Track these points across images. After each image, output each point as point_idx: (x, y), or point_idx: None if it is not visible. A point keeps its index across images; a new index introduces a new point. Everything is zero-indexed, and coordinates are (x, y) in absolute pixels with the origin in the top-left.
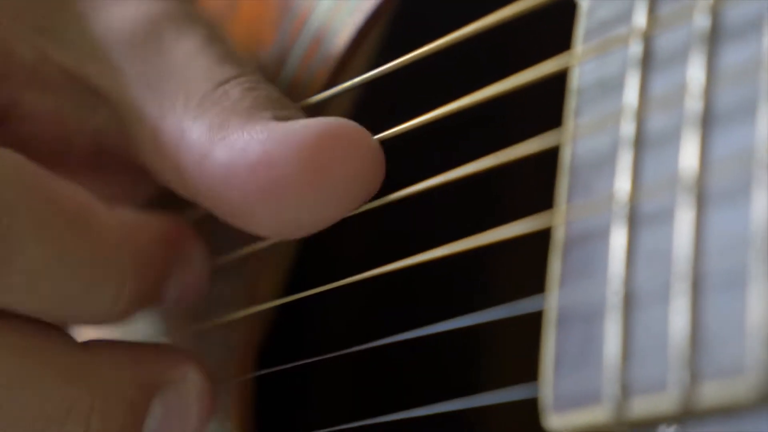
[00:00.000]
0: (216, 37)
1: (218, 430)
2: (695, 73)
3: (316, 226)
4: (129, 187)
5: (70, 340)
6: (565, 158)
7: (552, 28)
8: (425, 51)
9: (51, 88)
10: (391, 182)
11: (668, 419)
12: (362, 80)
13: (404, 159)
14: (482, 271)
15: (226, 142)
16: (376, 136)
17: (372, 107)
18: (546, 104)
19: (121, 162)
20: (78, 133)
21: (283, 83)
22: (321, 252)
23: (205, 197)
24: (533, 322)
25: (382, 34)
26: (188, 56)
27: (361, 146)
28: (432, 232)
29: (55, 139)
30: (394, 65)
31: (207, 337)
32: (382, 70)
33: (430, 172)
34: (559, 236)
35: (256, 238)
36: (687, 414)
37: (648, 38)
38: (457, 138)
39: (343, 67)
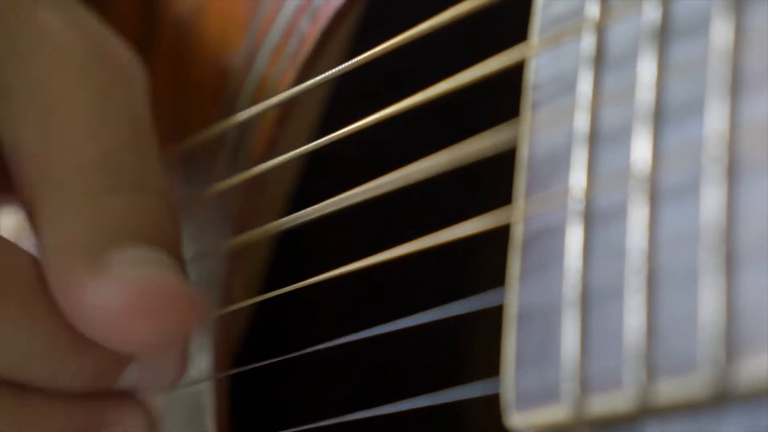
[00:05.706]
0: (114, 91)
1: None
2: (646, 66)
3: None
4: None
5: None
6: (523, 153)
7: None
8: (393, 44)
9: None
10: (362, 179)
11: (627, 418)
12: (325, 78)
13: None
14: (465, 267)
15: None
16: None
17: (342, 103)
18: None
19: None
20: None
21: (251, 84)
22: (297, 255)
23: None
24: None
25: (352, 30)
26: (75, 112)
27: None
28: (412, 229)
29: None
30: (357, 61)
31: None
32: (344, 67)
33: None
34: (517, 232)
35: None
36: (645, 412)
37: (601, 30)
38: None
39: (311, 65)
